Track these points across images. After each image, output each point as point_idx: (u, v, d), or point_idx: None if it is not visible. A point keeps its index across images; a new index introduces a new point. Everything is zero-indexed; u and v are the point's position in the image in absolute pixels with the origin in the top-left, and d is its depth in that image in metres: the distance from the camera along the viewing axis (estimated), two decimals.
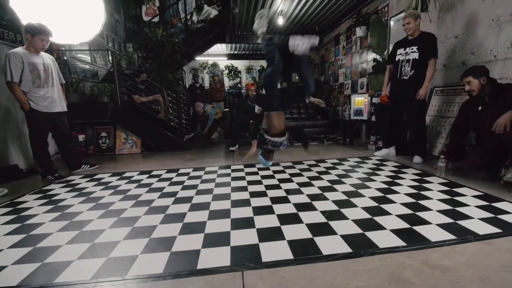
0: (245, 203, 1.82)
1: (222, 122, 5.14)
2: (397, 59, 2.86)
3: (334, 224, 1.45)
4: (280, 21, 5.66)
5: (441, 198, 1.77)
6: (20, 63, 2.30)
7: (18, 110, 2.55)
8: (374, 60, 4.29)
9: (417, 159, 2.76)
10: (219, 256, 1.18)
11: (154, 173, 2.74)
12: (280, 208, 1.70)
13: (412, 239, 1.27)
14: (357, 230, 1.38)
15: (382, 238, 1.28)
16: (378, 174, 2.40)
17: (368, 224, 1.44)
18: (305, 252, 1.20)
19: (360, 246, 1.23)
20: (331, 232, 1.37)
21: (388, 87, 3.06)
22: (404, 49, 2.79)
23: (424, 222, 1.44)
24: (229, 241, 1.31)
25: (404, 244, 1.22)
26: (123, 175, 2.69)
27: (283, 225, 1.46)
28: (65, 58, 4.20)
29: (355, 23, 4.96)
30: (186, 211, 1.72)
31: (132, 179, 2.54)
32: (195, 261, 1.15)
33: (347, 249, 1.20)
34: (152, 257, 1.20)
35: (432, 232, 1.32)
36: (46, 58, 2.53)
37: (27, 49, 2.39)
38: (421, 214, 1.54)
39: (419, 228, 1.36)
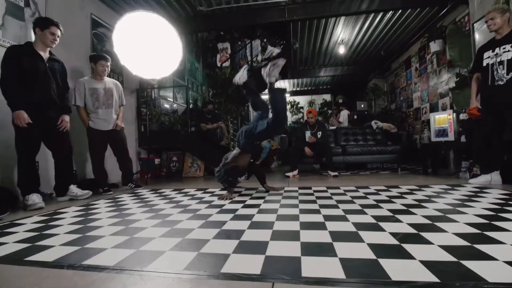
0: (293, 218, 1.58)
1: (279, 152, 5.07)
2: (485, 64, 2.34)
3: (410, 247, 1.06)
4: (341, 50, 5.59)
5: None
6: (82, 89, 2.74)
7: None
8: (457, 75, 3.64)
9: None
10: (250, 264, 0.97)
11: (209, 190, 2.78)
12: (334, 225, 1.38)
13: None
14: (447, 257, 0.96)
15: (490, 270, 0.84)
16: (472, 206, 1.77)
17: (465, 252, 1.00)
18: (363, 274, 0.88)
19: (452, 276, 0.83)
20: (406, 255, 0.99)
21: (477, 98, 2.47)
22: (493, 51, 2.28)
23: None
24: (265, 250, 1.09)
25: None
26: (206, 190, 2.77)
27: (336, 242, 1.15)
28: (154, 96, 5.07)
29: (429, 38, 4.44)
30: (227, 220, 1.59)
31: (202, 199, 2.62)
32: (221, 263, 0.98)
33: (431, 277, 0.83)
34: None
35: None
36: (109, 83, 2.93)
37: (92, 77, 2.85)
38: None
39: None
